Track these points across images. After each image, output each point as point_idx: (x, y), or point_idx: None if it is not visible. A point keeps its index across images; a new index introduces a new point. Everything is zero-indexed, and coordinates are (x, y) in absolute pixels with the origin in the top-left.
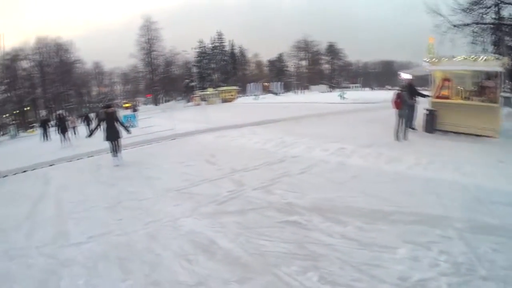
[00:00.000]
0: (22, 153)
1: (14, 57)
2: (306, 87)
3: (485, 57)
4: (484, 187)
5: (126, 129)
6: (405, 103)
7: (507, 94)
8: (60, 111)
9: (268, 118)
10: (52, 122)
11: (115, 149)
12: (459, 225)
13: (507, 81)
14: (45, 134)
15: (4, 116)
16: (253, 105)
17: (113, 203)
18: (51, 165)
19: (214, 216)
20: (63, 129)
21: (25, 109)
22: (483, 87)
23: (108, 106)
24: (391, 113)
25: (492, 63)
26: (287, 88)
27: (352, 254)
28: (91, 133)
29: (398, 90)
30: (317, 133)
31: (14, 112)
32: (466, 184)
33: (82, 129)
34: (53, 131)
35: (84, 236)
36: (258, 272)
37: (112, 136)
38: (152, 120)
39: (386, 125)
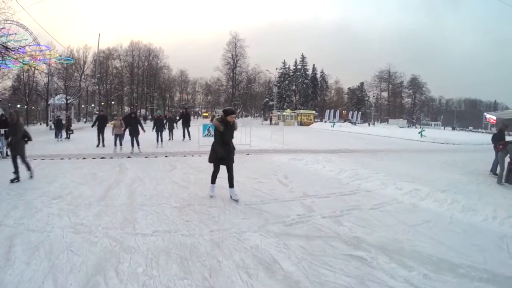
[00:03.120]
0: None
1: (108, 55)
2: (385, 120)
3: None
4: None
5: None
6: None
7: None
8: (134, 110)
9: (344, 147)
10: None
11: (230, 177)
12: None
13: None
14: (100, 136)
15: (91, 105)
16: (329, 132)
17: (183, 204)
18: (128, 157)
19: (280, 237)
20: (131, 131)
21: (111, 102)
22: None
23: (229, 113)
24: (472, 157)
25: None
26: (365, 118)
27: None
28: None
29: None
30: (392, 170)
31: (101, 103)
32: None
33: (151, 134)
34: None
35: (150, 229)
36: None
37: (227, 155)
38: None
39: (465, 169)
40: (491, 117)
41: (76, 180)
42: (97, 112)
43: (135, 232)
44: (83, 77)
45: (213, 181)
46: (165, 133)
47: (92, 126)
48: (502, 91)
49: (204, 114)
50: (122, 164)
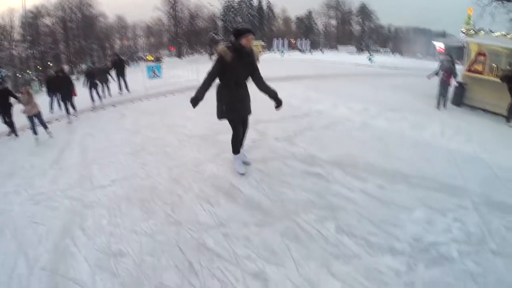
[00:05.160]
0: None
1: (37, 14)
2: (334, 47)
3: None
4: (506, 168)
5: None
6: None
7: None
8: (60, 67)
9: (294, 74)
10: None
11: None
12: (476, 198)
13: None
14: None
15: (28, 72)
16: (278, 61)
17: (137, 149)
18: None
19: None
20: (63, 95)
21: (48, 64)
22: None
23: (243, 33)
24: (421, 82)
25: None
26: (314, 46)
27: (370, 209)
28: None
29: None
30: (343, 92)
31: (38, 68)
32: (488, 161)
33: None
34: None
35: (108, 179)
36: (278, 218)
37: (239, 104)
38: (177, 72)
39: (414, 92)
40: (439, 45)
41: (25, 152)
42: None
43: (93, 187)
44: (13, 44)
45: (237, 149)
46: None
47: None
48: (450, 21)
49: (148, 58)
50: (70, 124)
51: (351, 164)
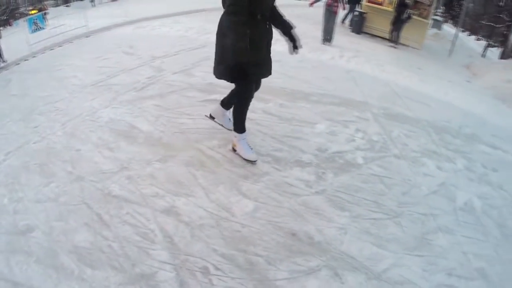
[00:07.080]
0: None
1: None
2: None
3: None
4: (402, 85)
5: None
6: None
7: (438, 18)
8: None
9: (192, 8)
10: None
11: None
12: (375, 111)
13: (442, 6)
14: None
15: None
16: None
17: (27, 113)
18: None
19: (133, 103)
20: None
21: None
22: (417, 2)
23: None
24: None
25: None
26: None
27: (273, 127)
28: None
29: None
30: None
31: None
32: (385, 80)
33: None
34: None
35: (1, 154)
36: (181, 149)
37: (266, 64)
38: (62, 20)
39: (314, 21)
40: None
41: None
42: None
43: None
44: None
45: (242, 124)
46: None
47: None
48: None
49: (31, 13)
50: None
51: None
